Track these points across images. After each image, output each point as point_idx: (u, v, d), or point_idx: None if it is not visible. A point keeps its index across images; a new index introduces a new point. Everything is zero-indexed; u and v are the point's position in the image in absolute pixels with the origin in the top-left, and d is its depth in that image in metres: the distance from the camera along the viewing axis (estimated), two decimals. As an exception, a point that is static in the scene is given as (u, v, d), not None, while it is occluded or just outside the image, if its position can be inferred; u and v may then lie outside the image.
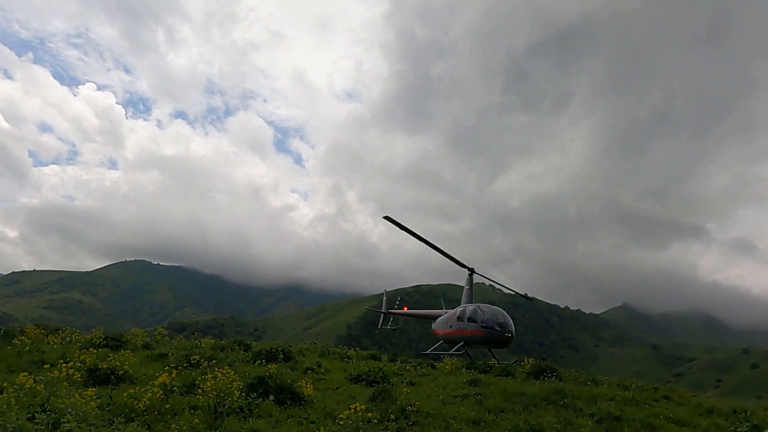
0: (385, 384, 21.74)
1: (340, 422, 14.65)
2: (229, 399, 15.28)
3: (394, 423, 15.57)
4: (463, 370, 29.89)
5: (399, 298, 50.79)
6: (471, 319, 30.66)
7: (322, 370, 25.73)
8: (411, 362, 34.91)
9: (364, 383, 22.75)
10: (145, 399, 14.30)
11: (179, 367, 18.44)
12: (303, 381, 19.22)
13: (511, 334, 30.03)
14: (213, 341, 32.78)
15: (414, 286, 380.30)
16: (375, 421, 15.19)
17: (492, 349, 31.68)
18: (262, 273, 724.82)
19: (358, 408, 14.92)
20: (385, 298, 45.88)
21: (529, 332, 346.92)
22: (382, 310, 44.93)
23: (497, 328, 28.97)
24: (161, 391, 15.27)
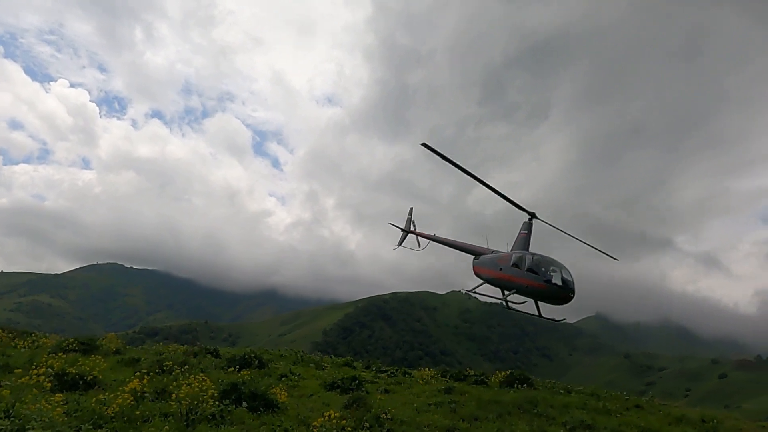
0: (359, 391, 21.68)
1: (314, 430, 14.56)
2: (202, 406, 15.07)
3: (368, 431, 15.53)
4: (439, 377, 29.95)
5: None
6: (532, 270, 28.05)
7: (296, 377, 25.54)
8: (386, 370, 34.88)
9: (338, 390, 22.64)
10: (114, 405, 14.02)
11: (151, 373, 18.15)
12: (277, 388, 19.05)
13: (574, 293, 26.67)
14: (186, 347, 32.30)
15: (391, 293, 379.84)
16: (349, 428, 15.11)
17: (538, 301, 29.74)
18: (238, 278, 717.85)
19: (332, 415, 14.83)
20: (410, 217, 41.13)
21: (504, 340, 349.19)
22: (406, 228, 40.20)
23: (560, 284, 26.57)
24: (131, 397, 14.99)
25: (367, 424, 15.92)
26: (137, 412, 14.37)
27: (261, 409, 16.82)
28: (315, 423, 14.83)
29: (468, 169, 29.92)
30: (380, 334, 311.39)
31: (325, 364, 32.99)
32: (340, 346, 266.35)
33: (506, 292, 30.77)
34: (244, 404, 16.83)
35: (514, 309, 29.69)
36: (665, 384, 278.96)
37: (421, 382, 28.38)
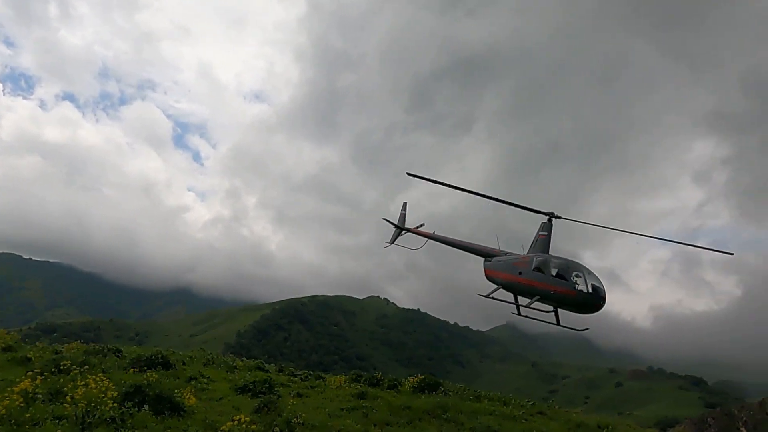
0: (271, 395, 21.27)
1: (222, 434, 14.11)
2: (101, 408, 14.21)
3: (278, 436, 15.25)
4: (352, 382, 29.94)
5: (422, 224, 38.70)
6: (560, 276, 25.53)
7: (206, 379, 24.72)
8: (299, 374, 34.48)
9: (249, 394, 22.12)
10: (0, 407, 12.94)
11: (45, 373, 16.91)
12: (185, 390, 18.34)
13: (605, 300, 24.38)
14: (87, 345, 30.42)
15: (310, 296, 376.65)
16: (258, 433, 14.78)
17: (558, 309, 27.12)
18: (149, 274, 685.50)
19: (242, 420, 14.46)
20: (403, 212, 36.92)
21: (419, 347, 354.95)
22: (400, 225, 36.09)
23: (591, 291, 24.32)
24: (21, 399, 13.90)
25: (277, 429, 15.63)
26: (27, 415, 13.35)
27: (166, 412, 16.10)
28: (223, 427, 14.38)
29: (462, 187, 28.30)
30: (297, 337, 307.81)
31: (237, 367, 32.15)
32: (255, 348, 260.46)
33: (518, 298, 28.02)
34: (148, 407, 16.05)
35: (526, 316, 27.52)
36: (567, 391, 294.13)
37: (334, 386, 28.25)
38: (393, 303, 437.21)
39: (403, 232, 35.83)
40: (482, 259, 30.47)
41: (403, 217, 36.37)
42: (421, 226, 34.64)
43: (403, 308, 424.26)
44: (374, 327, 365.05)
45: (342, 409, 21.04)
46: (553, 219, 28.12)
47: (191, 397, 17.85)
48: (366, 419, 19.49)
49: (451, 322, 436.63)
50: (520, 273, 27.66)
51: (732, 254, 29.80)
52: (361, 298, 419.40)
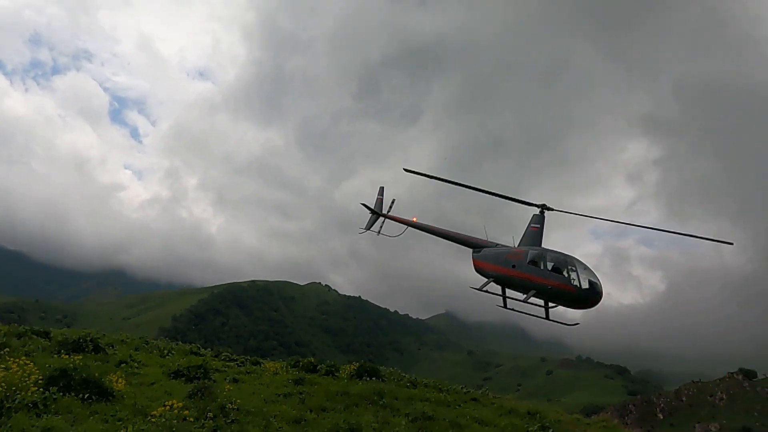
0: (206, 380, 20.89)
1: (152, 420, 13.73)
2: (22, 393, 13.55)
3: (211, 421, 14.98)
4: (289, 368, 29.81)
5: (394, 200, 33.58)
6: (556, 270, 24.76)
7: (137, 363, 24.00)
8: (236, 359, 34.03)
9: (183, 379, 21.64)
10: None
11: (-40, 355, 15.96)
12: (114, 375, 17.76)
13: (601, 295, 23.90)
14: (9, 326, 28.87)
15: (249, 281, 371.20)
16: (191, 419, 14.48)
17: (550, 304, 25.98)
18: (79, 254, 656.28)
19: (174, 405, 14.13)
20: (380, 197, 33.96)
21: (359, 333, 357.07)
22: (378, 210, 33.32)
23: (588, 287, 23.75)
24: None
25: (211, 414, 15.36)
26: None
27: (93, 397, 15.53)
28: (154, 413, 14.01)
29: (457, 181, 27.72)
30: (235, 322, 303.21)
31: (171, 352, 31.36)
32: (191, 333, 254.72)
33: (508, 291, 27.38)
34: (74, 392, 15.43)
35: (512, 309, 26.94)
36: (501, 379, 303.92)
37: (271, 372, 28.05)
38: (334, 290, 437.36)
39: (381, 218, 33.62)
40: (470, 250, 29.18)
41: (380, 202, 34.24)
42: (391, 208, 33.02)
43: (345, 295, 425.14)
44: (315, 313, 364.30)
45: (278, 395, 20.93)
46: (546, 211, 27.41)
47: (121, 381, 17.31)
48: (302, 405, 19.48)
49: (392, 310, 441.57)
50: (513, 266, 26.70)
51: (732, 243, 28.56)
52: (302, 284, 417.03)
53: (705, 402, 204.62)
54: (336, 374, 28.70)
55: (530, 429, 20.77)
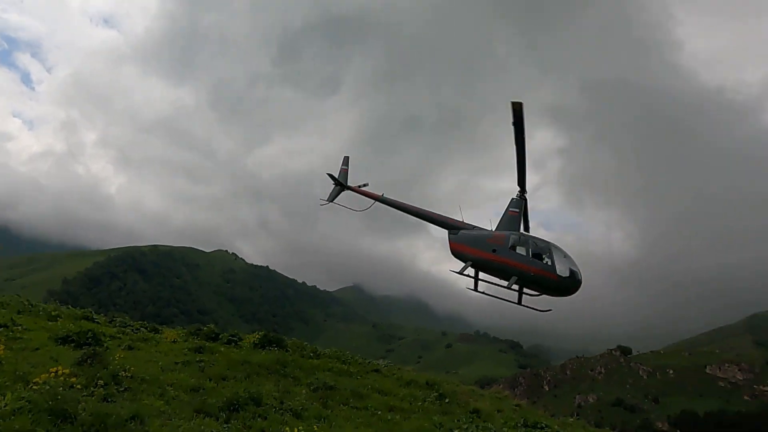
0: (97, 347, 19.83)
1: (34, 387, 12.85)
2: None
3: (102, 389, 14.26)
4: (189, 336, 28.98)
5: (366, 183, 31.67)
6: (538, 256, 23.89)
7: (19, 327, 22.37)
8: (131, 325, 32.61)
9: (72, 345, 20.44)
10: None
11: None
12: (-8, 339, 16.42)
13: (581, 284, 23.13)
14: None
15: (151, 246, 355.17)
16: (79, 386, 13.71)
17: (525, 289, 25.39)
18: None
19: (59, 371, 13.31)
20: (344, 167, 31.80)
21: (265, 303, 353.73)
22: (341, 181, 31.30)
23: (569, 275, 23.06)
24: None
25: (101, 382, 14.61)
26: None
27: (-34, 362, 14.31)
28: (37, 379, 13.11)
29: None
30: (133, 287, 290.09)
31: (61, 316, 29.46)
32: (84, 297, 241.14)
33: (483, 276, 26.52)
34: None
35: (483, 292, 26.29)
36: (403, 351, 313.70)
37: (169, 340, 27.12)
38: (242, 258, 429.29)
39: (345, 190, 31.65)
40: (444, 230, 27.58)
41: (344, 172, 32.14)
42: (365, 185, 31.35)
43: (252, 264, 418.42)
44: (219, 281, 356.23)
45: (177, 363, 20.30)
46: (527, 194, 26.29)
47: (0, 346, 16.05)
48: (202, 373, 19.03)
49: (300, 281, 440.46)
50: (494, 251, 25.70)
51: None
52: (207, 251, 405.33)
53: (586, 375, 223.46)
54: (238, 343, 28.26)
55: (428, 399, 21.66)
